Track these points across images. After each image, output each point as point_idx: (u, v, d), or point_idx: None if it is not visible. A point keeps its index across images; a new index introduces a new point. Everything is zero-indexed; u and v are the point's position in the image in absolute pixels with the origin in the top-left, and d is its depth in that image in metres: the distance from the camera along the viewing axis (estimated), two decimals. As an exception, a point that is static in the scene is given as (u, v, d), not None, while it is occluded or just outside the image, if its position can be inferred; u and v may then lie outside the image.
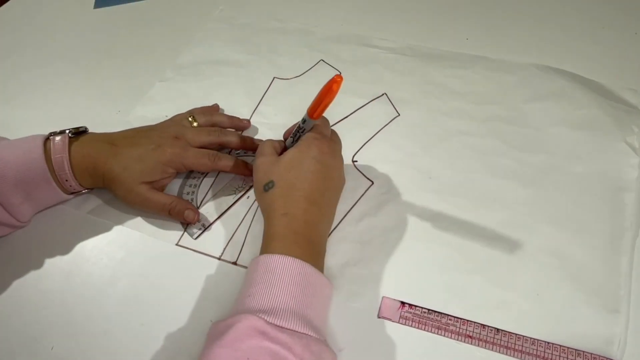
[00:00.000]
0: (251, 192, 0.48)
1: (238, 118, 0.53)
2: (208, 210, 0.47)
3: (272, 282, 0.34)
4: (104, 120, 0.55)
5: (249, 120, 0.54)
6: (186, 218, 0.45)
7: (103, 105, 0.57)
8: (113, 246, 0.45)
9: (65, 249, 0.45)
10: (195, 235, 0.45)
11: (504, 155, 0.48)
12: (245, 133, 0.53)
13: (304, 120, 0.42)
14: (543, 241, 0.42)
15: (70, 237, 0.46)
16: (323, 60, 0.60)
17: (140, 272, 0.44)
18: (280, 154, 0.44)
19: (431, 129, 0.51)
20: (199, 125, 0.49)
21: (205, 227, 0.46)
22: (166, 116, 0.54)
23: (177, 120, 0.50)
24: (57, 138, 0.44)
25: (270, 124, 0.54)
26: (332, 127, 0.52)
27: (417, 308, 0.39)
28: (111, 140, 0.46)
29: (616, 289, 0.39)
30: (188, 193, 0.48)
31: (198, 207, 0.47)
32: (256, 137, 0.53)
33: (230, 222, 0.46)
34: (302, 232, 0.38)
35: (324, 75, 0.57)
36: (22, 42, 0.67)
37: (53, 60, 0.64)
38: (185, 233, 0.46)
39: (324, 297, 0.37)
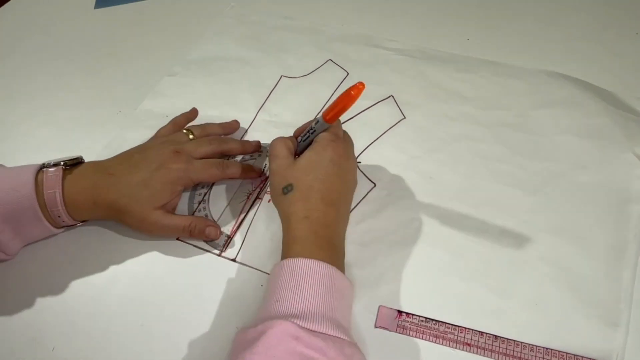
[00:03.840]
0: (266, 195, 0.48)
1: (227, 123, 0.52)
2: (226, 219, 0.46)
3: (299, 286, 0.34)
4: (105, 120, 0.55)
5: (236, 120, 0.53)
6: (208, 236, 0.44)
7: (104, 106, 0.57)
8: (113, 246, 0.45)
9: (65, 249, 0.45)
10: (221, 248, 0.44)
11: (508, 161, 0.48)
12: (250, 131, 0.53)
13: (316, 122, 0.42)
14: (544, 250, 0.42)
15: (70, 237, 0.46)
16: (331, 60, 0.59)
17: (140, 272, 0.43)
18: (295, 153, 0.43)
19: (436, 132, 0.51)
20: (194, 138, 0.47)
21: (230, 238, 0.45)
22: (168, 116, 0.54)
23: (169, 135, 0.48)
24: (51, 170, 0.41)
25: (276, 122, 0.54)
26: (338, 128, 0.53)
27: (415, 317, 0.39)
28: (107, 169, 0.43)
29: (616, 302, 0.39)
30: (200, 210, 0.47)
31: (216, 221, 0.46)
32: (262, 135, 0.52)
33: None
34: (323, 234, 0.38)
35: (332, 75, 0.58)
36: (22, 42, 0.67)
37: (53, 61, 0.63)
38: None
39: (348, 299, 0.37)
